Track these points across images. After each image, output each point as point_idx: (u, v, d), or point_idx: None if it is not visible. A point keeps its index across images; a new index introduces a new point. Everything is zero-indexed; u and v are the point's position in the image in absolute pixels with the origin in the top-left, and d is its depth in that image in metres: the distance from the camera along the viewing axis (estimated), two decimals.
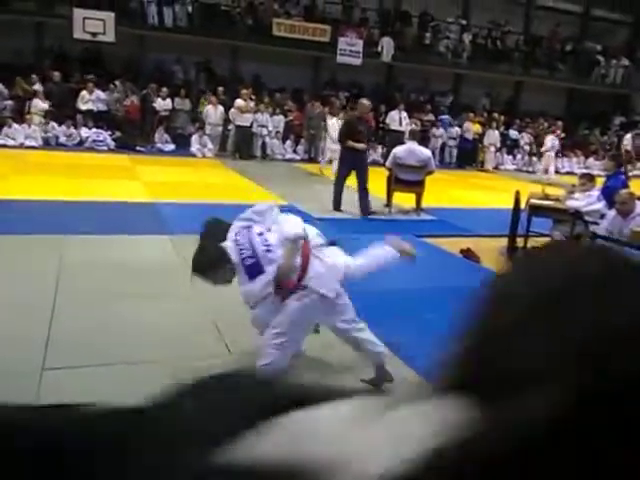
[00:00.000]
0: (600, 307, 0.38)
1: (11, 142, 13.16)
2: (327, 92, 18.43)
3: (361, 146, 8.53)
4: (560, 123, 18.55)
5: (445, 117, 18.48)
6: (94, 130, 14.39)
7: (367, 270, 3.24)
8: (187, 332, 3.87)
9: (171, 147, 15.05)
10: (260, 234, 2.97)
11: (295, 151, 16.18)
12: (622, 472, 0.35)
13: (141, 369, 3.28)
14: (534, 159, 18.40)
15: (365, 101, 9.22)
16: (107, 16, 14.94)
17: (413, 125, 14.96)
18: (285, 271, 2.90)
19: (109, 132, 14.59)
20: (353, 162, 8.56)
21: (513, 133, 19.23)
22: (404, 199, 9.15)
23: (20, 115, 13.93)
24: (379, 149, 15.98)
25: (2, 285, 4.46)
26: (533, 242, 7.04)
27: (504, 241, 7.04)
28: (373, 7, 20.07)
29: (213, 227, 3.10)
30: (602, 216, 6.12)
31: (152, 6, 16.53)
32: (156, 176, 10.87)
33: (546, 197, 7.02)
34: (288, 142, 16.19)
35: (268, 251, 2.92)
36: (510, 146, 19.08)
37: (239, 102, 14.33)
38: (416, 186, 8.98)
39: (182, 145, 15.00)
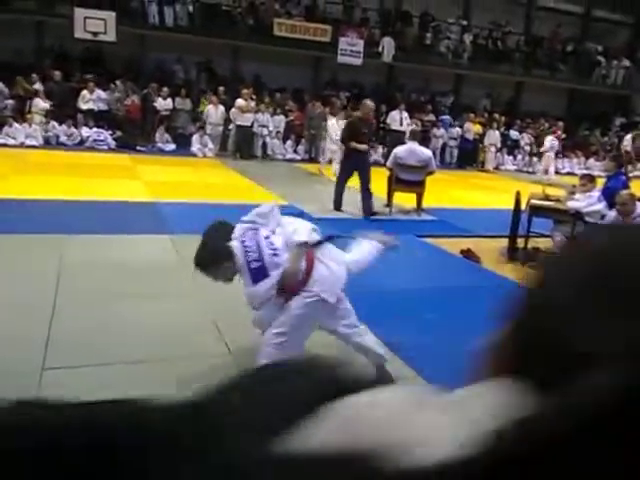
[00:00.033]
0: None
1: (12, 141, 13.17)
2: (328, 92, 18.44)
3: (363, 147, 8.52)
4: (561, 124, 18.55)
5: (446, 117, 18.48)
6: (95, 129, 14.39)
7: (362, 266, 3.31)
8: (187, 332, 3.87)
9: (172, 147, 15.05)
10: (267, 237, 2.98)
11: (296, 151, 16.18)
12: None
13: (141, 369, 3.28)
14: (534, 159, 18.40)
15: (368, 102, 9.19)
16: (108, 15, 14.95)
17: (414, 125, 14.96)
18: (290, 275, 2.91)
19: (110, 132, 14.60)
20: (355, 163, 8.53)
21: (514, 133, 19.23)
22: (405, 199, 9.15)
23: (21, 114, 13.93)
24: (380, 149, 15.98)
25: (2, 285, 4.45)
26: (533, 243, 7.04)
27: (504, 242, 7.04)
28: (374, 7, 20.07)
29: (218, 226, 3.11)
30: (603, 217, 6.12)
31: (153, 6, 16.54)
32: (157, 176, 10.87)
33: (547, 198, 7.02)
34: (289, 142, 16.19)
35: (274, 255, 2.92)
36: (511, 146, 19.09)
37: (240, 102, 14.33)
38: (417, 186, 8.98)
39: (183, 145, 15.01)
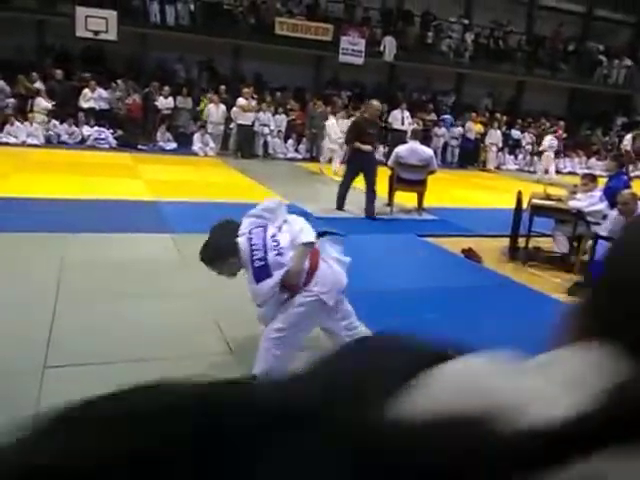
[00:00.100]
0: None
1: (13, 140, 13.17)
2: (329, 91, 18.44)
3: (367, 148, 8.41)
4: (562, 123, 18.56)
5: (447, 117, 18.47)
6: (96, 128, 14.39)
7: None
8: (188, 331, 3.87)
9: (173, 146, 15.05)
10: (273, 236, 2.98)
11: (297, 150, 16.18)
12: None
13: (143, 368, 3.28)
14: (536, 159, 18.39)
15: (375, 102, 9.13)
16: (109, 14, 14.95)
17: (415, 124, 14.97)
18: (294, 275, 2.92)
19: (111, 130, 14.60)
20: (361, 164, 8.46)
21: (515, 133, 19.22)
22: (406, 198, 9.15)
23: (22, 113, 13.93)
24: (381, 148, 15.98)
25: (3, 284, 4.46)
26: (535, 242, 7.04)
27: (506, 241, 7.03)
28: (375, 6, 20.06)
29: (225, 223, 3.13)
30: (604, 216, 6.11)
31: (154, 4, 16.53)
32: (158, 175, 10.88)
33: (548, 197, 7.01)
34: (290, 141, 16.19)
35: (279, 254, 2.93)
36: (512, 146, 19.08)
37: (241, 101, 14.32)
38: (418, 185, 8.97)
39: (184, 144, 15.00)
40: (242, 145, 14.77)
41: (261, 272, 2.91)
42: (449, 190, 11.69)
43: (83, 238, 5.88)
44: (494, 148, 17.76)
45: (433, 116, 18.21)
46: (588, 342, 0.41)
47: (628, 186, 6.86)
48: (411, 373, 0.43)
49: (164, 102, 15.33)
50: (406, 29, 19.68)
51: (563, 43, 21.89)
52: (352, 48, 17.46)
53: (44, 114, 14.00)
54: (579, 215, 6.44)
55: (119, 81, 15.41)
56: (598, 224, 6.14)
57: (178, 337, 3.76)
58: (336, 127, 13.48)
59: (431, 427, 0.40)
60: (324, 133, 13.97)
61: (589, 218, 6.40)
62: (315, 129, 15.27)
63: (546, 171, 15.90)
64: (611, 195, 6.33)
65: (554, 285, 5.82)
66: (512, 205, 7.06)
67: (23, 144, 13.08)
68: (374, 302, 4.38)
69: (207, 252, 3.04)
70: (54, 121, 14.13)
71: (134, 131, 14.70)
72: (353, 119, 10.69)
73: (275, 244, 2.95)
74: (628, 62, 22.03)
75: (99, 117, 14.65)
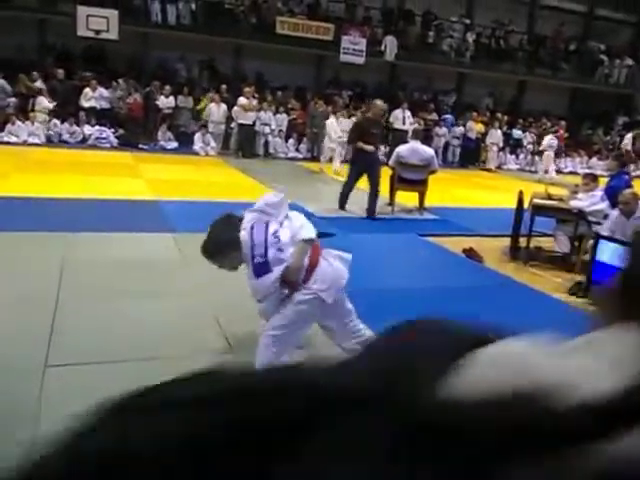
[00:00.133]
0: None
1: (14, 139, 13.17)
2: (330, 91, 18.44)
3: (369, 148, 8.34)
4: (563, 123, 18.55)
5: (448, 116, 18.46)
6: (97, 128, 14.39)
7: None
8: (189, 329, 3.88)
9: (174, 145, 15.05)
10: (274, 232, 2.98)
11: (298, 150, 16.18)
12: None
13: (144, 366, 3.28)
14: (537, 159, 18.38)
15: (379, 102, 9.07)
16: (111, 14, 14.96)
17: (416, 124, 14.97)
18: (293, 271, 2.92)
19: (112, 130, 14.60)
20: (364, 164, 8.40)
21: (516, 133, 19.21)
22: (407, 198, 9.14)
23: (23, 112, 13.94)
24: (382, 148, 15.97)
25: (5, 283, 4.47)
26: (536, 242, 7.04)
27: (507, 241, 7.03)
28: (376, 6, 20.05)
29: (227, 217, 3.13)
30: (605, 216, 6.10)
31: (156, 4, 16.53)
32: (159, 174, 10.88)
33: (549, 197, 7.01)
34: (291, 140, 16.19)
35: (279, 250, 2.93)
36: (513, 145, 19.07)
37: (242, 100, 14.32)
38: (419, 185, 8.97)
39: (185, 143, 15.01)
40: (243, 144, 14.77)
41: (261, 268, 2.92)
42: (450, 190, 11.69)
43: (84, 237, 5.89)
44: (495, 148, 17.75)
45: (434, 116, 18.19)
46: (625, 324, 0.43)
47: (629, 185, 6.85)
48: (458, 354, 0.46)
49: (165, 101, 15.34)
50: (407, 29, 19.67)
51: (564, 43, 21.87)
52: (353, 47, 17.46)
53: (45, 113, 14.01)
54: (580, 215, 6.44)
55: (120, 80, 15.41)
56: (599, 224, 6.14)
57: (179, 335, 3.76)
58: (336, 126, 13.48)
59: (485, 404, 0.41)
60: (324, 132, 13.97)
61: (590, 218, 6.39)
62: (316, 128, 15.27)
63: (546, 171, 15.90)
64: (612, 195, 6.33)
65: (555, 285, 5.82)
66: (513, 205, 7.06)
67: (24, 143, 13.09)
68: (375, 301, 4.37)
69: (209, 245, 3.04)
70: (55, 120, 14.14)
71: (135, 130, 14.70)
72: (355, 119, 10.65)
73: (276, 240, 2.95)
74: (629, 62, 22.02)
75: (100, 116, 14.65)
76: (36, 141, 13.36)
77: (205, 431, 0.45)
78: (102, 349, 3.49)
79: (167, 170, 11.49)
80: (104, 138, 14.30)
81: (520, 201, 6.97)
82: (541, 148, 16.60)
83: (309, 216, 3.30)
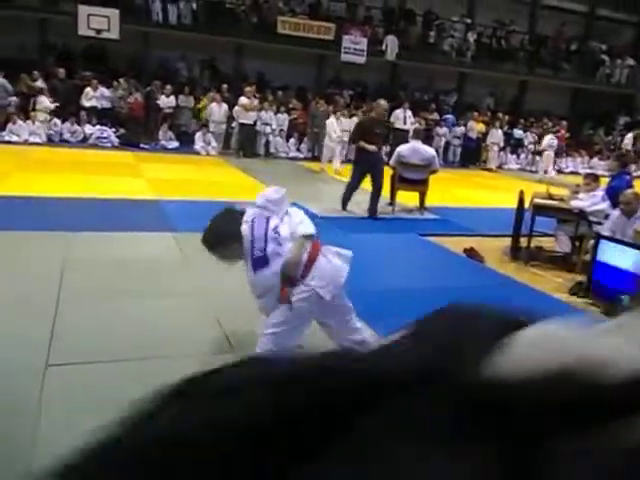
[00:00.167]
0: None
1: (15, 138, 13.18)
2: (331, 90, 18.44)
3: (371, 148, 8.29)
4: (564, 123, 18.54)
5: (449, 116, 18.45)
6: (98, 127, 14.40)
7: None
8: (190, 329, 3.88)
9: (175, 144, 15.06)
10: (275, 227, 3.01)
11: (299, 149, 16.18)
12: None
13: (145, 366, 3.28)
14: (538, 159, 18.38)
15: (382, 102, 9.03)
16: (112, 13, 14.96)
17: (417, 124, 14.95)
18: (291, 266, 2.93)
19: (113, 129, 14.61)
20: (367, 164, 8.36)
21: (517, 132, 19.20)
22: (408, 198, 9.14)
23: (24, 112, 13.94)
24: (383, 147, 15.97)
25: (5, 282, 4.47)
26: (536, 242, 7.03)
27: (508, 241, 7.03)
28: (377, 5, 20.05)
29: (228, 210, 3.16)
30: (606, 216, 6.10)
31: (157, 3, 16.54)
32: (160, 173, 10.88)
33: (550, 197, 7.00)
34: (292, 140, 16.19)
35: (279, 244, 2.97)
36: (514, 145, 19.06)
37: (243, 100, 14.32)
38: (420, 185, 8.97)
39: (186, 143, 15.01)
40: (244, 144, 14.76)
41: (259, 261, 2.95)
42: (451, 189, 11.69)
43: (85, 237, 5.89)
44: (496, 148, 17.75)
45: (435, 115, 18.19)
46: None
47: (630, 186, 6.85)
48: (499, 336, 0.48)
49: (166, 101, 15.34)
50: (408, 28, 19.66)
51: (565, 42, 21.86)
52: (354, 47, 17.46)
53: (46, 113, 14.01)
54: (581, 215, 6.43)
55: (121, 80, 15.41)
56: (600, 224, 6.13)
57: (180, 334, 3.76)
58: (336, 126, 13.47)
59: (533, 382, 0.43)
60: (325, 132, 13.97)
61: (591, 218, 6.39)
62: (317, 128, 15.26)
63: (545, 171, 15.90)
64: (613, 195, 6.33)
65: (556, 285, 5.82)
66: (514, 205, 7.06)
67: (25, 143, 13.09)
68: (375, 301, 4.38)
69: (209, 236, 3.07)
70: (56, 120, 14.14)
71: (136, 130, 14.70)
72: (358, 119, 10.62)
73: (276, 235, 2.98)
74: (631, 62, 22.00)
75: (101, 116, 14.66)
76: (37, 140, 13.37)
77: (268, 417, 0.47)
78: (103, 348, 3.49)
79: (168, 170, 11.49)
80: (105, 137, 14.30)
81: (521, 201, 6.96)
82: (541, 148, 16.59)
83: (313, 217, 3.30)
